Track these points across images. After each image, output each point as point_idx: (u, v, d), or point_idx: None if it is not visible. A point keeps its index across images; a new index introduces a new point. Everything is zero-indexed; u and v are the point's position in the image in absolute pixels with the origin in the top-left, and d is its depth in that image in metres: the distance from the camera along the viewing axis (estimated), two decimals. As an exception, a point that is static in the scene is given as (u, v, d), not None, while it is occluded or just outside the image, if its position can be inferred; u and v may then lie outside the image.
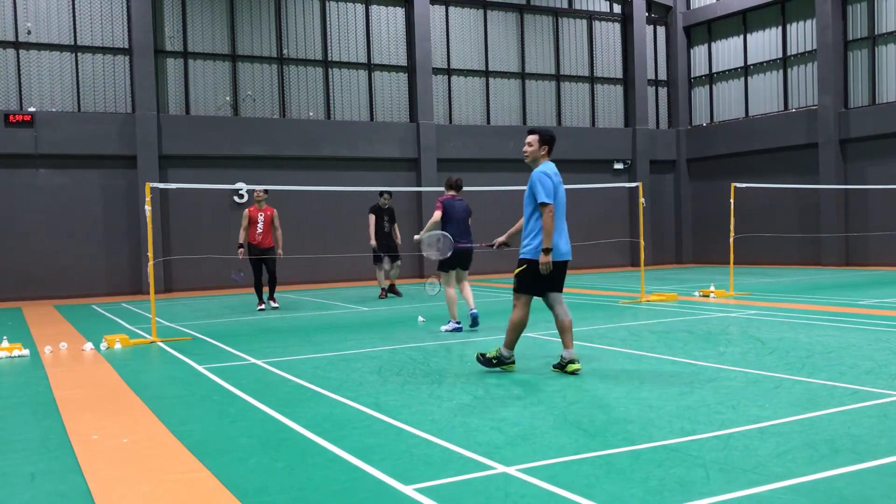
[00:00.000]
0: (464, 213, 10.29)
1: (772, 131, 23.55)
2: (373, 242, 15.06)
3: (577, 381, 6.52)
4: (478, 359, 7.26)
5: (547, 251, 6.74)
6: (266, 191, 13.81)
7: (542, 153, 7.07)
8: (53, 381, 7.37)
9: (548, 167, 6.98)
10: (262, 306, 13.77)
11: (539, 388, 6.33)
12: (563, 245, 6.97)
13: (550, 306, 7.06)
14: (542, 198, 6.78)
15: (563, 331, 6.96)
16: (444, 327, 10.23)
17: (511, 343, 7.10)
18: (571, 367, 6.87)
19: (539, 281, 6.91)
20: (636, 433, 4.85)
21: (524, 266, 6.94)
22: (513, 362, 7.14)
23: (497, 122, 23.70)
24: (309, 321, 12.06)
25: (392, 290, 15.71)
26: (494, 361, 7.13)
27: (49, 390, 6.94)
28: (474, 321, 10.21)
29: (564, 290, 7.12)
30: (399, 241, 15.56)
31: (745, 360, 7.31)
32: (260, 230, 13.54)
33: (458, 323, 10.13)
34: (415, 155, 22.02)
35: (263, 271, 13.73)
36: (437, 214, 10.22)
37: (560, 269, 6.98)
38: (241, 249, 13.68)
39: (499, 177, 22.65)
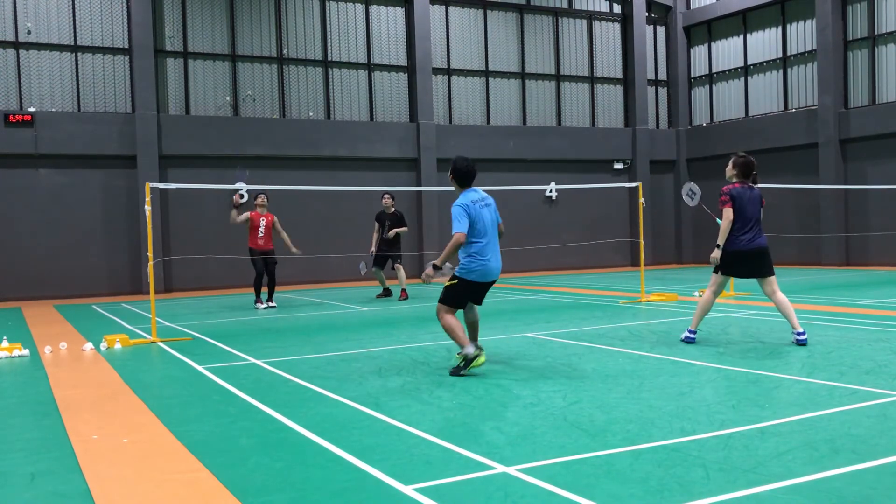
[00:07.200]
0: (758, 208, 8.10)
1: (772, 131, 23.55)
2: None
3: (578, 381, 6.52)
4: (451, 373, 7.04)
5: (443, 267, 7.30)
6: (267, 197, 14.58)
7: (457, 187, 7.40)
8: (53, 381, 7.36)
9: (466, 196, 7.25)
10: (262, 305, 14.28)
11: (539, 388, 6.32)
12: (494, 263, 7.28)
13: (466, 310, 7.51)
14: (454, 229, 7.10)
15: (473, 327, 7.56)
16: (683, 335, 8.64)
17: (460, 342, 7.09)
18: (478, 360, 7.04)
19: (465, 296, 7.28)
20: (636, 433, 4.84)
21: (455, 282, 7.24)
22: (477, 356, 6.99)
23: (497, 122, 23.70)
24: (309, 321, 12.06)
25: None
26: (462, 365, 6.98)
27: (49, 390, 6.94)
28: (800, 343, 8.03)
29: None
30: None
31: (745, 360, 7.31)
32: (261, 234, 14.32)
33: (693, 333, 8.42)
34: (415, 155, 22.02)
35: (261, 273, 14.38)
36: (729, 214, 7.95)
37: (486, 286, 7.42)
38: (237, 203, 14.20)
39: (499, 177, 22.64)
